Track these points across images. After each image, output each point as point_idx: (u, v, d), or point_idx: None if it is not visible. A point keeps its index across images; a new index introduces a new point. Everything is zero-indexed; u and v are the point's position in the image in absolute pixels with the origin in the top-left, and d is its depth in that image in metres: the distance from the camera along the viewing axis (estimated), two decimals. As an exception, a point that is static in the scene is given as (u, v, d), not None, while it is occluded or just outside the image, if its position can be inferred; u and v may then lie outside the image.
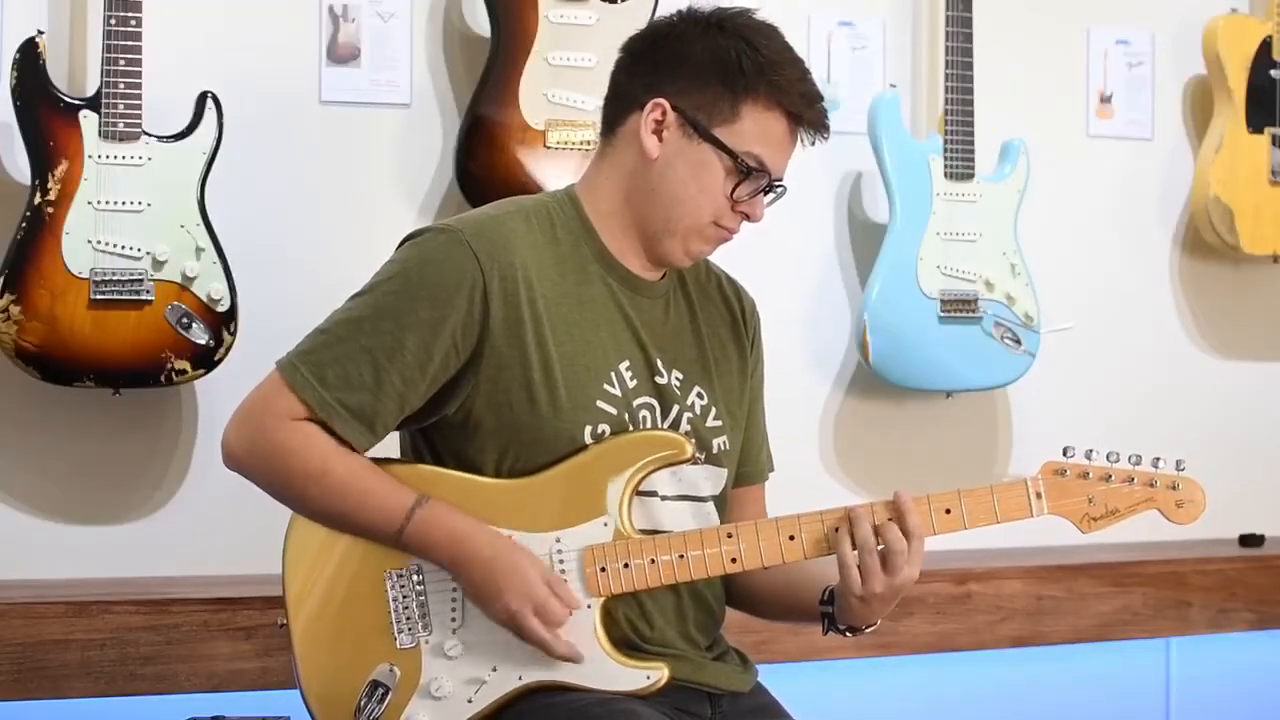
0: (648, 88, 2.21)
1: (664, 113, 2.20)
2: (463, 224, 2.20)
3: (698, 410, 2.29)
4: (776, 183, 2.23)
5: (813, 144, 2.25)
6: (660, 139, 2.21)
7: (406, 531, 2.14)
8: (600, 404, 2.20)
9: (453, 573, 2.15)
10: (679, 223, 2.22)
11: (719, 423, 2.31)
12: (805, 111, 2.21)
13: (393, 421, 2.18)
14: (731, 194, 2.20)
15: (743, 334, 2.38)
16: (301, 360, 2.16)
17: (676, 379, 2.28)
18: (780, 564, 2.21)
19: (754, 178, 2.20)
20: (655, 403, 2.25)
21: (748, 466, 2.40)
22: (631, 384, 2.23)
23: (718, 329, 2.36)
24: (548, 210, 2.26)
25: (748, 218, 2.24)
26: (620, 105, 2.26)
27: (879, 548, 2.16)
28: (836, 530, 2.18)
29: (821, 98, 2.23)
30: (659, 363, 2.26)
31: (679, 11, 2.27)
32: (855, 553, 2.16)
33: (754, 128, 2.19)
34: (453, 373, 2.18)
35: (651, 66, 2.23)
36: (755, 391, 2.41)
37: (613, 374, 2.22)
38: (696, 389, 2.29)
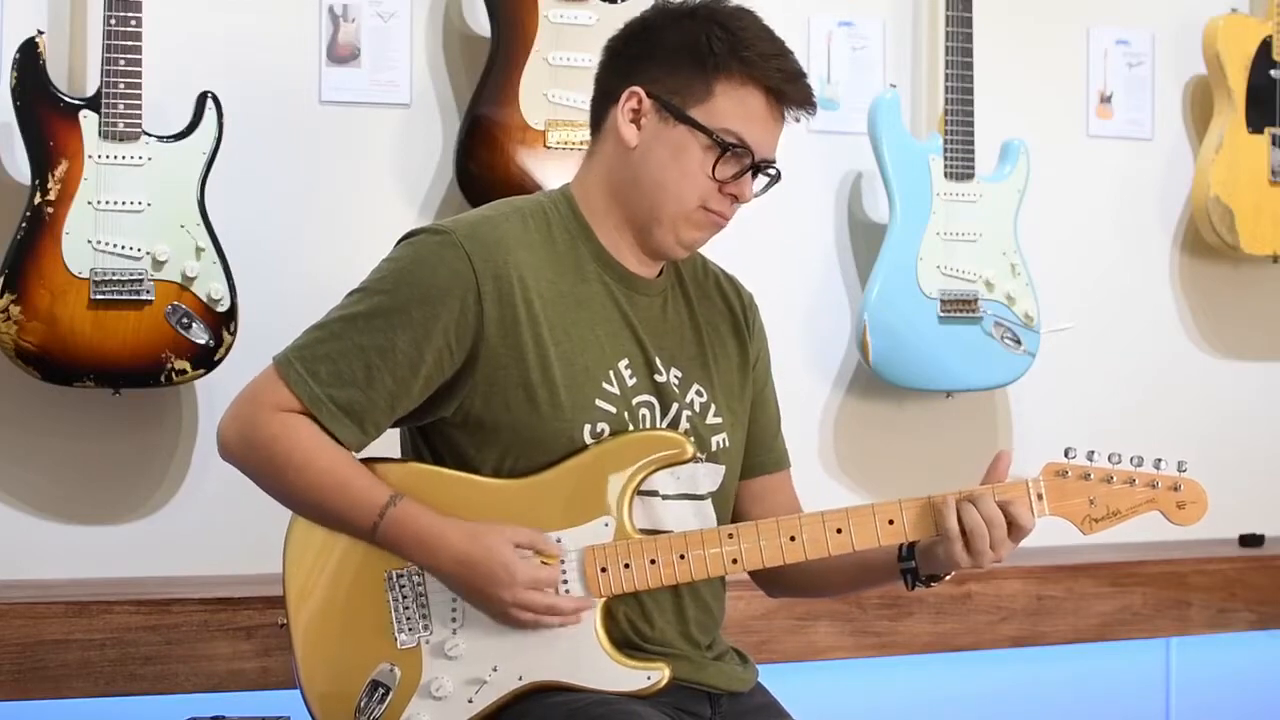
0: (624, 79, 2.23)
1: (639, 100, 2.21)
2: (457, 225, 2.20)
3: (697, 408, 2.29)
4: (764, 163, 2.23)
5: (798, 120, 2.24)
6: (638, 127, 2.21)
7: (379, 531, 2.14)
8: (599, 403, 2.20)
9: (435, 575, 2.15)
10: (664, 208, 2.22)
11: (718, 420, 2.31)
12: (783, 85, 2.20)
13: (384, 420, 2.18)
14: (713, 173, 2.20)
15: (742, 328, 2.38)
16: (296, 355, 2.16)
17: (675, 376, 2.27)
18: (780, 565, 2.21)
19: (734, 155, 2.20)
20: (655, 401, 2.25)
21: (766, 455, 2.40)
22: (631, 382, 2.23)
23: (717, 325, 2.36)
24: (543, 210, 2.26)
25: (736, 199, 2.23)
26: (602, 102, 2.27)
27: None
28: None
29: (803, 74, 2.22)
30: (657, 360, 2.26)
31: (655, 4, 2.28)
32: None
33: (728, 104, 2.19)
34: (449, 374, 2.18)
35: (626, 59, 2.25)
36: (760, 381, 2.41)
37: (611, 373, 2.22)
38: (695, 386, 2.29)
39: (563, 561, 2.17)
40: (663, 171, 2.21)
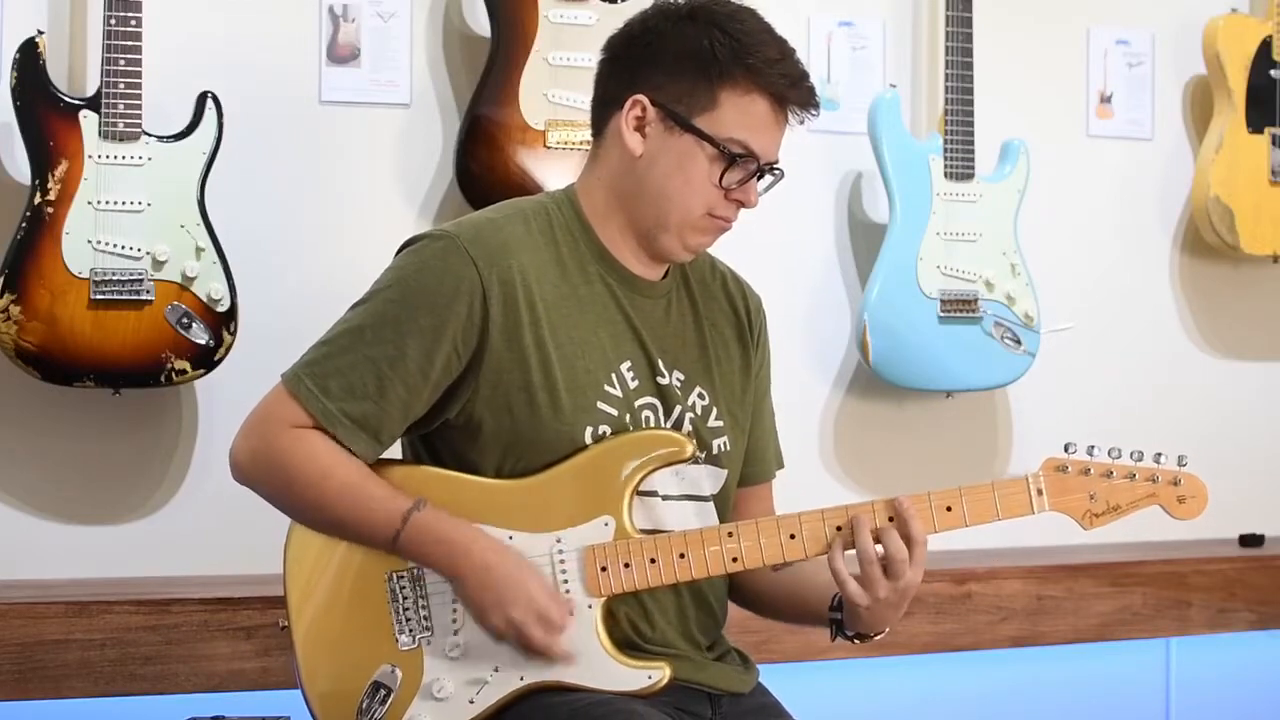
0: (627, 86, 2.21)
1: (643, 109, 2.20)
2: (460, 229, 2.20)
3: (699, 411, 2.28)
4: (769, 166, 2.22)
5: (801, 123, 2.23)
6: (643, 135, 2.20)
7: (402, 537, 2.13)
8: (601, 405, 2.20)
9: (450, 583, 2.15)
10: (669, 216, 2.21)
11: (720, 423, 2.30)
12: (788, 91, 2.19)
13: (398, 429, 2.18)
14: (720, 182, 2.19)
15: (747, 333, 2.38)
16: (305, 372, 2.15)
17: (678, 379, 2.27)
18: (781, 562, 2.21)
19: (740, 164, 2.19)
20: (658, 403, 2.25)
21: (753, 466, 2.39)
22: (633, 384, 2.23)
23: (721, 328, 2.35)
24: (547, 212, 2.26)
25: (742, 204, 2.23)
26: (604, 107, 2.26)
27: (880, 555, 2.16)
28: (838, 530, 2.17)
29: (806, 75, 2.21)
30: (660, 363, 2.26)
31: (654, 5, 2.27)
32: (852, 553, 2.16)
33: (734, 113, 2.18)
34: (454, 377, 2.17)
35: (628, 65, 2.23)
36: (760, 390, 2.40)
37: (614, 375, 2.22)
38: (698, 389, 2.29)
39: (563, 564, 2.16)
40: (668, 180, 2.20)
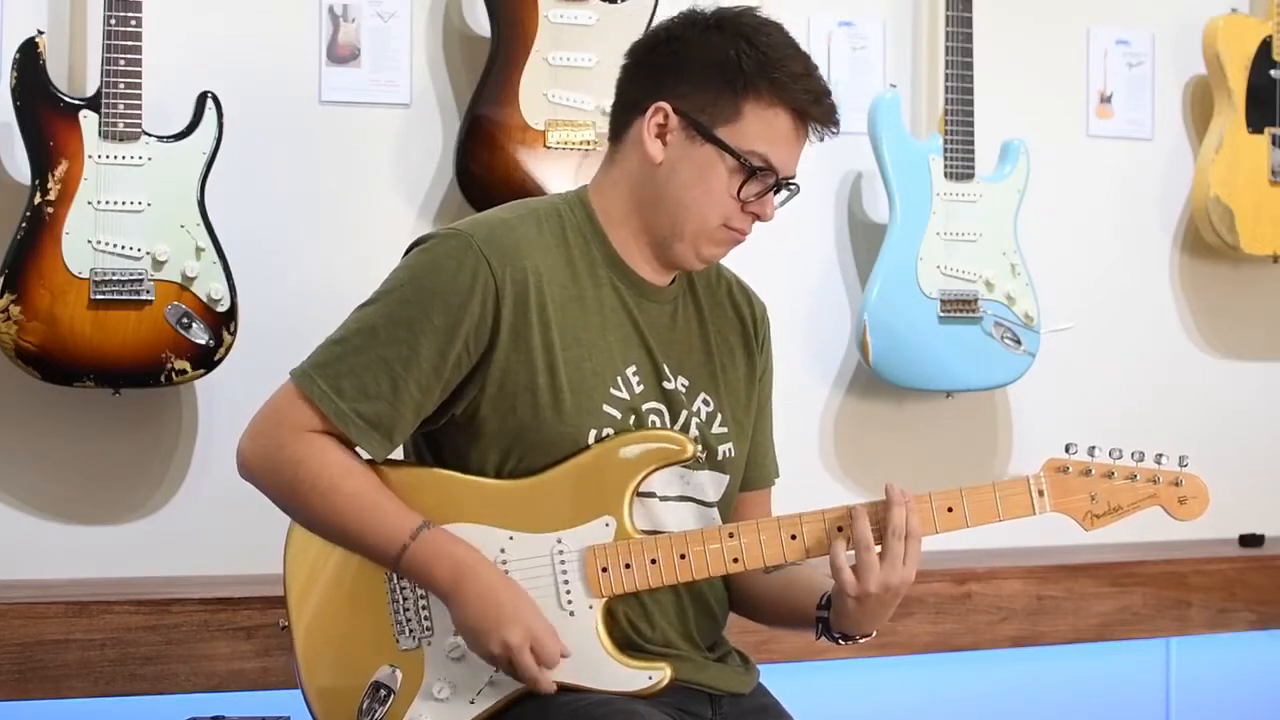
0: (650, 92, 2.21)
1: (666, 116, 2.20)
2: (474, 228, 2.19)
3: (704, 416, 2.28)
4: (786, 180, 2.22)
5: (821, 139, 2.24)
6: (664, 143, 2.20)
7: (407, 554, 2.12)
8: (606, 408, 2.20)
9: (449, 601, 2.13)
10: (685, 226, 2.21)
11: (724, 430, 2.30)
12: (810, 107, 2.19)
13: (410, 429, 2.18)
14: (738, 194, 2.19)
15: (752, 340, 2.37)
16: (317, 371, 2.15)
17: (682, 385, 2.27)
18: (781, 563, 2.21)
19: (760, 177, 2.19)
20: (664, 408, 2.24)
21: (753, 471, 2.39)
22: (639, 388, 2.23)
23: (726, 335, 2.35)
24: (559, 213, 2.25)
25: (758, 217, 2.23)
26: (625, 112, 2.25)
27: (877, 547, 2.16)
28: (839, 530, 2.17)
29: (828, 92, 2.21)
30: (665, 368, 2.25)
31: (680, 14, 2.27)
32: (850, 553, 2.16)
33: (757, 126, 2.18)
34: (464, 375, 2.17)
35: (653, 71, 2.23)
36: (763, 397, 2.40)
37: (619, 378, 2.21)
38: (702, 395, 2.29)
39: (564, 564, 2.16)
40: (687, 190, 2.20)
